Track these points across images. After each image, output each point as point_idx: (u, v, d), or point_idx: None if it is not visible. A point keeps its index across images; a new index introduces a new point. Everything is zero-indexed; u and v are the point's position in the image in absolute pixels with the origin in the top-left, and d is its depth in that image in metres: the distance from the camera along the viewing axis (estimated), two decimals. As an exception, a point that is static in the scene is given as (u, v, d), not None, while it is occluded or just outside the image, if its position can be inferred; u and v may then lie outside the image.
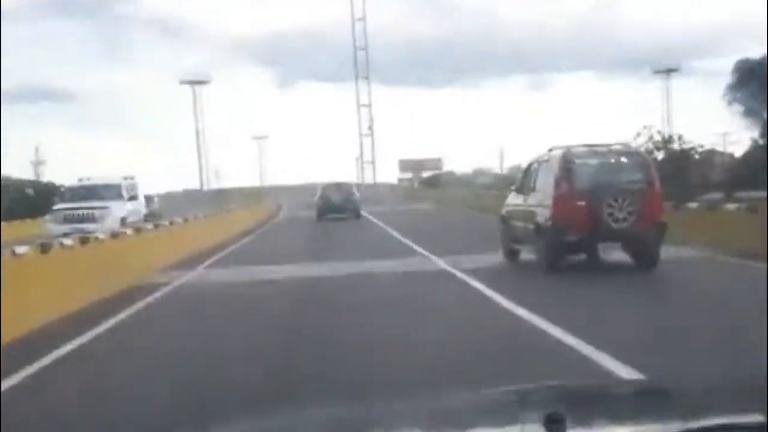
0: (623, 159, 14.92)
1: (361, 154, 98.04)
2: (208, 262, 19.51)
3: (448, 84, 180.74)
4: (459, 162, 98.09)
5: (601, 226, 13.90)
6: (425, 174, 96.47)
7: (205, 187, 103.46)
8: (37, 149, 77.47)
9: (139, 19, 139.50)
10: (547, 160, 15.25)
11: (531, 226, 15.10)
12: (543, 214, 14.58)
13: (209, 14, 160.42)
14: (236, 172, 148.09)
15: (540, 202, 14.89)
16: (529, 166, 16.56)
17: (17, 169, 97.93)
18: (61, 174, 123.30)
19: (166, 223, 21.90)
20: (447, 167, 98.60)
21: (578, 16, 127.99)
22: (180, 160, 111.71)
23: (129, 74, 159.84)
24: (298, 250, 21.49)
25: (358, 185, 71.36)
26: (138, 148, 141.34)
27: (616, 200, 13.90)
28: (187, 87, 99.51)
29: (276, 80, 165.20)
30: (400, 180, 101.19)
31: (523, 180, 16.72)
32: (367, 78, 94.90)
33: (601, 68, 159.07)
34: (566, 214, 14.08)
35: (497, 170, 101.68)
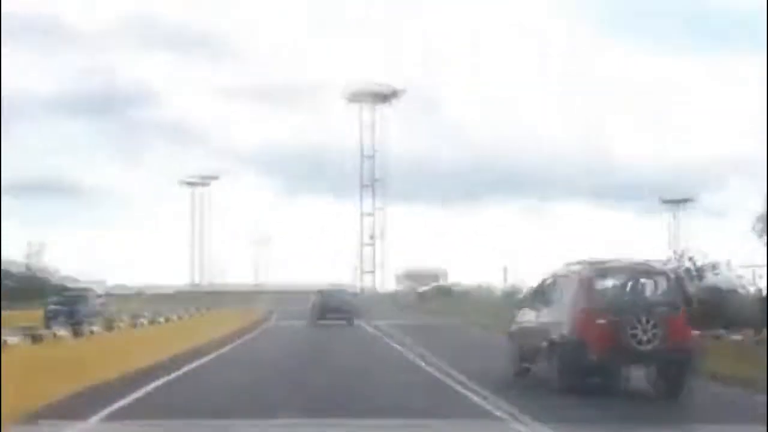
0: (648, 278, 13.96)
1: (361, 263, 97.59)
2: (113, 407, 11.64)
3: (450, 201, 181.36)
4: (458, 277, 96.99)
5: (624, 346, 12.84)
6: (422, 288, 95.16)
7: (201, 285, 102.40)
8: (29, 243, 76.62)
9: (150, 123, 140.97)
10: (566, 275, 14.29)
11: (544, 344, 14.05)
12: (558, 331, 13.53)
13: (219, 123, 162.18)
14: (236, 273, 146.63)
15: (556, 318, 13.87)
16: (544, 281, 15.60)
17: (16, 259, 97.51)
18: (56, 265, 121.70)
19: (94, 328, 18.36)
20: (444, 281, 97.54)
21: (583, 143, 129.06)
22: (179, 257, 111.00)
23: (135, 174, 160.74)
24: (280, 395, 13.24)
25: (357, 294, 70.37)
26: (140, 244, 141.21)
27: (640, 321, 12.87)
28: (194, 189, 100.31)
29: (280, 189, 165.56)
30: (399, 290, 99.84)
31: (536, 295, 15.75)
32: (371, 186, 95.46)
33: (604, 196, 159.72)
34: (586, 332, 13.04)
35: (500, 286, 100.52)
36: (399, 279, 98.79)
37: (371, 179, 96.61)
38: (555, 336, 13.62)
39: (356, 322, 37.43)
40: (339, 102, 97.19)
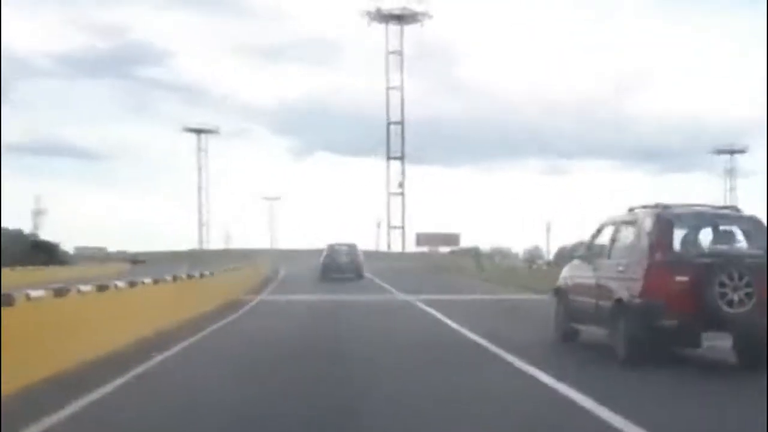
0: (734, 225, 11.50)
1: (388, 215, 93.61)
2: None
3: (465, 164, 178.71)
4: (474, 239, 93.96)
5: (709, 309, 10.40)
6: (442, 249, 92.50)
7: (211, 247, 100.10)
8: (37, 198, 74.60)
9: (163, 83, 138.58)
10: (633, 221, 11.84)
11: (605, 303, 11.65)
12: (627, 289, 11.11)
13: (233, 82, 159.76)
14: (248, 234, 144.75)
15: (621, 273, 11.44)
16: (601, 227, 13.17)
17: (19, 219, 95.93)
18: (62, 228, 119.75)
19: None
20: (463, 243, 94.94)
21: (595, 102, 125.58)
22: (188, 219, 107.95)
23: (147, 134, 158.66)
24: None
25: (386, 252, 67.33)
26: (149, 206, 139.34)
27: (731, 277, 10.43)
28: (201, 138, 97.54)
29: (293, 149, 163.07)
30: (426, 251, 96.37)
31: (592, 246, 13.32)
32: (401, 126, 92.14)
33: (621, 157, 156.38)
34: (663, 291, 10.60)
35: (515, 250, 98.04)
36: (417, 239, 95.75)
37: (396, 126, 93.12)
38: (621, 294, 11.20)
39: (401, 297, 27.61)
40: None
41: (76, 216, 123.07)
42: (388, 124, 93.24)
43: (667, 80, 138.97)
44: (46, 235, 67.45)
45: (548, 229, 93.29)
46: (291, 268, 55.50)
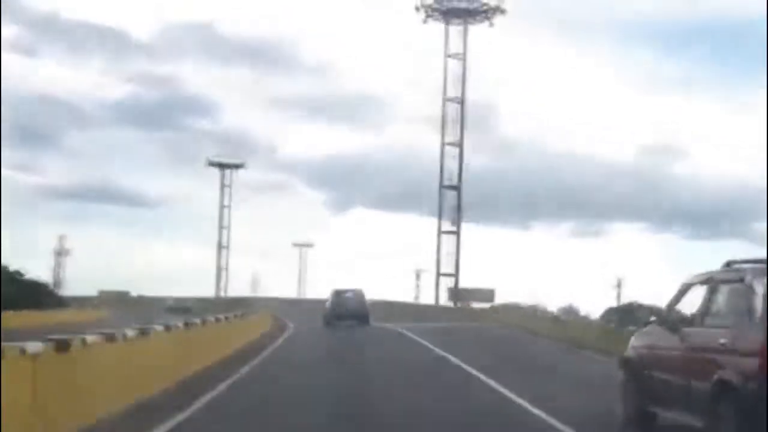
0: None
1: (438, 261, 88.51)
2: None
3: (497, 222, 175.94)
4: (505, 296, 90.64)
5: None
6: (475, 305, 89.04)
7: (232, 294, 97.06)
8: (61, 239, 73.04)
9: (209, 134, 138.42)
10: (736, 279, 9.26)
11: (701, 384, 9.04)
12: (734, 367, 8.49)
13: (275, 134, 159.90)
14: (277, 282, 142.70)
15: (723, 346, 8.83)
16: (686, 287, 10.60)
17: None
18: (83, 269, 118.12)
19: None
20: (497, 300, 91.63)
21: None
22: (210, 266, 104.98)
23: (187, 184, 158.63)
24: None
25: (414, 305, 63.65)
26: (182, 252, 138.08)
27: None
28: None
29: (330, 202, 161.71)
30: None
31: (673, 309, 10.76)
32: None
33: (655, 220, 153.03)
34: (789, 371, 7.98)
35: (550, 308, 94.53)
36: (449, 294, 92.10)
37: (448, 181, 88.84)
38: (726, 375, 8.57)
39: None
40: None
41: (109, 260, 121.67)
42: (441, 186, 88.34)
43: (705, 146, 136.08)
44: (67, 275, 65.84)
45: (619, 285, 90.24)
46: (305, 324, 41.28)
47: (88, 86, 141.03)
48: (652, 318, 11.47)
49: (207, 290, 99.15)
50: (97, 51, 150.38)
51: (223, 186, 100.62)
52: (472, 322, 47.21)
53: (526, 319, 45.99)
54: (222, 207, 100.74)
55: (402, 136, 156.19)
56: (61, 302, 66.87)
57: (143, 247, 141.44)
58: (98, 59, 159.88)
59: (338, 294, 41.09)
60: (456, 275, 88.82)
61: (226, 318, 23.01)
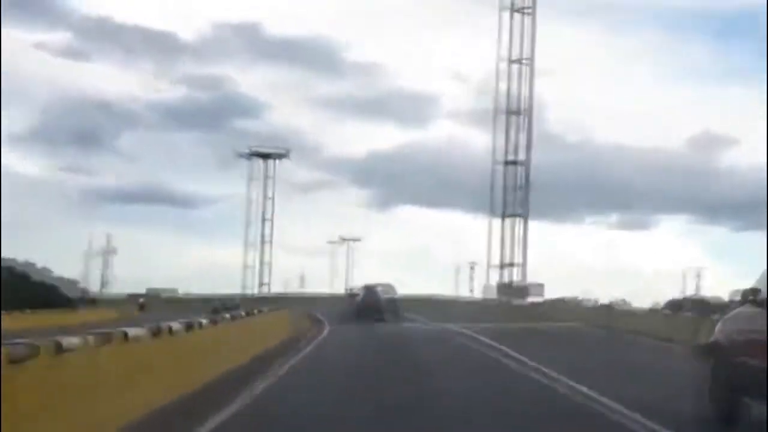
0: None
1: (502, 250, 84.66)
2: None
3: (541, 216, 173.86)
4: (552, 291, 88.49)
5: None
6: (517, 301, 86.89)
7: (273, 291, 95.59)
8: (109, 238, 73.16)
9: (255, 135, 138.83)
10: None
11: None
12: None
13: (323, 134, 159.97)
14: (320, 278, 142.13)
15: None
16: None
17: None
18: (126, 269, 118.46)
19: None
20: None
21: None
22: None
23: (231, 185, 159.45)
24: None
25: (453, 300, 61.83)
26: (227, 252, 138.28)
27: None
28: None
29: (375, 199, 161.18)
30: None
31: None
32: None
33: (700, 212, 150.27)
34: None
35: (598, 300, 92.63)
36: (499, 289, 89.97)
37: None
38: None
39: None
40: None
41: (156, 259, 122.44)
42: (506, 162, 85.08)
43: (754, 137, 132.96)
44: (113, 274, 65.89)
45: (698, 276, 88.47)
46: (338, 334, 30.69)
47: (138, 89, 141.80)
48: (750, 298, 10.31)
49: (249, 288, 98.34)
50: (147, 54, 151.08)
51: (266, 177, 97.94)
52: (542, 322, 39.02)
53: (607, 317, 38.05)
54: (265, 198, 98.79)
55: (449, 131, 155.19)
56: (71, 303, 66.32)
57: (189, 246, 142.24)
58: (148, 62, 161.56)
59: (368, 289, 42.42)
60: (523, 265, 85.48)
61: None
